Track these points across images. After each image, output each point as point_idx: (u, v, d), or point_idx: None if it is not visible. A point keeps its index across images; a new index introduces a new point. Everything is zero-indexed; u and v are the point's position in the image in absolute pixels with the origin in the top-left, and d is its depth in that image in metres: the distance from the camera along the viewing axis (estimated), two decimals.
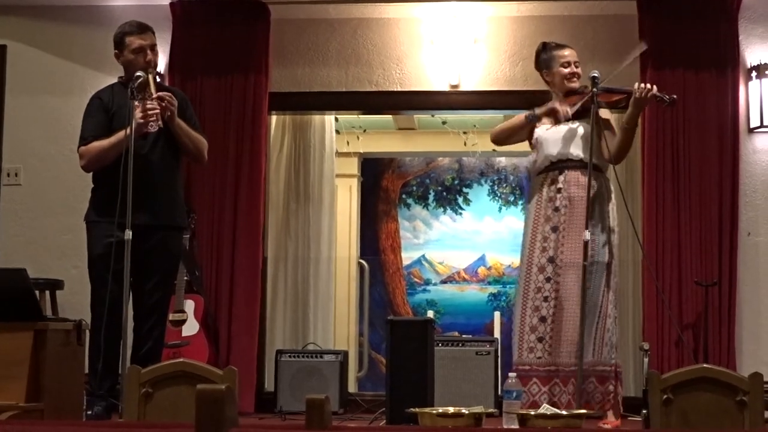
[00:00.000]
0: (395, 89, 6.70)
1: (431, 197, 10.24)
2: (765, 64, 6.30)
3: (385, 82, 6.70)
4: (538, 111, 5.04)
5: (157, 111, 4.70)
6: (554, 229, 4.87)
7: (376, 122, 9.12)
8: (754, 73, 6.31)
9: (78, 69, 6.70)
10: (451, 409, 3.23)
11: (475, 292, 10.12)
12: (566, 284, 4.79)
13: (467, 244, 10.15)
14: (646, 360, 5.80)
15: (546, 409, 3.51)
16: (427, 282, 10.21)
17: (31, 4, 6.68)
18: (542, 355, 4.77)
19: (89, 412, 4.63)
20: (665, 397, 3.11)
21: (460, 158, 10.03)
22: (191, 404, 2.05)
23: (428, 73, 6.67)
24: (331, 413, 2.26)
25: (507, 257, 10.07)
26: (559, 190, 4.89)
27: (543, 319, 4.81)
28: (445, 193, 10.22)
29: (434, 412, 3.19)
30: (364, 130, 9.18)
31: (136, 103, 4.66)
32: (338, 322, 8.18)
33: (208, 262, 6.39)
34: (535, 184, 5.03)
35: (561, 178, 4.89)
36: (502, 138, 5.19)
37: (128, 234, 4.40)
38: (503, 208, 10.14)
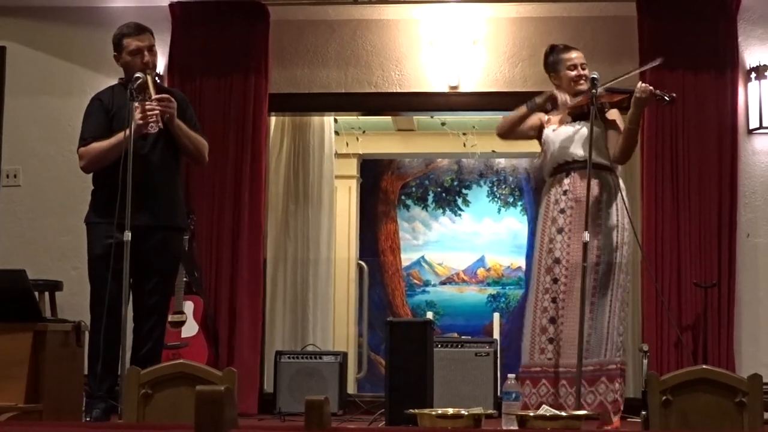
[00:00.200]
0: (394, 90, 6.70)
1: (430, 198, 10.24)
2: (764, 65, 6.30)
3: (384, 83, 6.70)
4: (538, 100, 5.04)
5: (157, 112, 4.70)
6: (560, 231, 4.88)
7: (376, 123, 9.13)
8: (753, 75, 6.32)
9: (77, 70, 6.70)
10: (451, 411, 3.23)
11: (474, 294, 10.12)
12: (573, 285, 4.79)
13: (466, 245, 10.15)
14: (645, 361, 5.81)
15: (545, 410, 3.51)
16: (427, 283, 10.21)
17: (31, 5, 6.69)
18: (552, 356, 4.77)
19: (88, 414, 4.63)
20: (664, 398, 3.10)
21: (459, 159, 10.03)
22: (191, 405, 2.04)
23: (427, 74, 6.67)
24: (330, 414, 2.26)
25: (506, 258, 10.07)
26: (565, 192, 4.89)
27: (552, 321, 4.82)
28: (444, 195, 10.22)
29: (433, 413, 3.18)
30: (364, 132, 9.18)
31: (136, 104, 4.67)
32: (337, 323, 8.18)
33: (207, 263, 6.39)
34: (545, 187, 5.04)
35: (567, 180, 4.90)
36: (505, 130, 5.19)
37: (127, 235, 4.40)
38: (502, 209, 10.13)
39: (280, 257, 7.35)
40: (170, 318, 5.64)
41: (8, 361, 4.22)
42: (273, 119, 7.08)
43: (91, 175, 4.94)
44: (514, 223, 10.08)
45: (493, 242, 10.11)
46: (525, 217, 10.06)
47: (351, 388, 7.29)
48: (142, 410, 3.11)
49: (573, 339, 4.70)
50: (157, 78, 4.99)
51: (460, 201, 10.20)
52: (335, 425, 2.67)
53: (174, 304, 5.87)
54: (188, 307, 6.13)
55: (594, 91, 4.72)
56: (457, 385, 5.93)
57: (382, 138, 9.49)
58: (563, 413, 3.24)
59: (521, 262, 9.98)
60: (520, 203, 10.11)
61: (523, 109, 5.07)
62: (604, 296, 4.76)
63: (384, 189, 10.22)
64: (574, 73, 4.97)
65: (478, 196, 10.18)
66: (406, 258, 10.21)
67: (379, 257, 10.10)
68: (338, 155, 8.22)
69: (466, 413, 3.12)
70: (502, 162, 10.08)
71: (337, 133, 8.14)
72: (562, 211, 4.88)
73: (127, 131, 4.48)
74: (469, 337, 6.63)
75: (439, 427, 3.07)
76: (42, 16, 6.74)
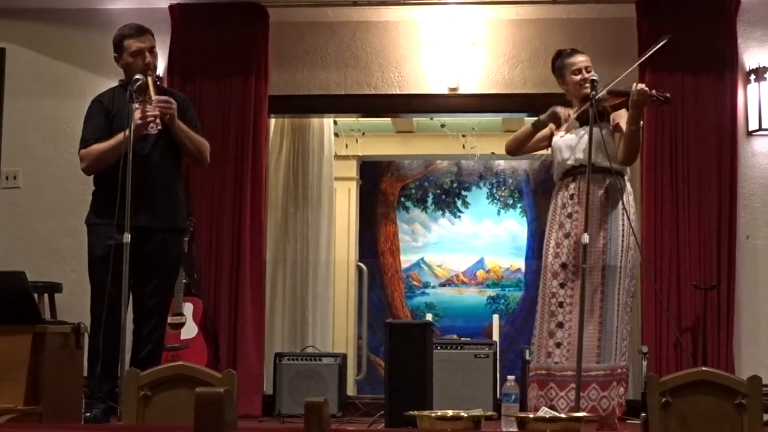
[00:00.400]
0: (394, 92, 6.70)
1: (430, 200, 10.24)
2: (763, 67, 6.31)
3: (383, 85, 6.70)
4: (542, 117, 5.06)
5: (157, 113, 4.70)
6: (567, 236, 4.88)
7: (375, 125, 9.13)
8: (752, 77, 6.33)
9: (77, 72, 6.70)
10: (450, 412, 3.22)
11: (473, 295, 10.12)
12: (580, 290, 4.79)
13: (466, 247, 10.15)
14: (645, 363, 5.82)
15: (545, 412, 3.51)
16: (426, 285, 10.21)
17: (31, 7, 6.69)
18: (560, 360, 4.77)
19: (88, 415, 4.63)
20: (664, 400, 3.10)
21: (458, 161, 10.03)
22: (190, 407, 2.04)
23: (427, 76, 6.67)
24: (329, 416, 2.26)
25: (506, 260, 10.06)
26: (572, 197, 4.89)
27: (560, 325, 4.82)
28: (443, 196, 10.22)
29: (433, 415, 3.18)
30: (363, 133, 9.18)
31: (136, 105, 4.67)
32: (337, 325, 8.18)
33: (207, 265, 6.39)
34: (554, 191, 5.05)
35: (573, 184, 4.91)
36: (513, 148, 5.21)
37: (127, 237, 4.40)
38: (502, 211, 10.13)
39: (280, 259, 7.35)
40: (169, 320, 5.63)
41: (7, 363, 4.22)
42: (272, 121, 7.08)
43: (91, 176, 4.94)
44: (513, 225, 10.08)
45: (493, 244, 10.11)
46: (524, 219, 10.06)
47: (350, 390, 7.29)
48: (141, 412, 3.11)
49: (583, 344, 4.69)
50: (157, 79, 4.99)
51: (459, 203, 10.20)
52: (335, 427, 2.68)
53: (173, 306, 5.87)
54: (188, 308, 6.13)
55: (593, 93, 4.72)
56: (457, 386, 5.93)
57: (381, 140, 9.49)
58: (562, 415, 3.23)
59: (521, 264, 9.98)
60: (519, 205, 10.10)
61: (528, 129, 5.09)
62: (612, 301, 4.76)
63: (383, 191, 10.22)
64: (578, 77, 4.96)
65: (478, 197, 10.18)
66: (406, 260, 10.21)
67: (378, 259, 10.09)
68: (338, 157, 8.22)
69: (466, 415, 3.11)
70: (501, 164, 10.08)
71: (336, 134, 8.14)
72: (569, 215, 4.89)
73: (127, 132, 4.48)
74: (469, 339, 6.64)
75: (438, 429, 3.07)
76: (42, 18, 6.74)
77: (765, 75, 6.29)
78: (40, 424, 4.08)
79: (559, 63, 5.07)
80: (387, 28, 6.72)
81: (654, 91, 4.69)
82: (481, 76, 6.66)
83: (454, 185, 10.22)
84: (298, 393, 6.13)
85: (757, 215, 6.34)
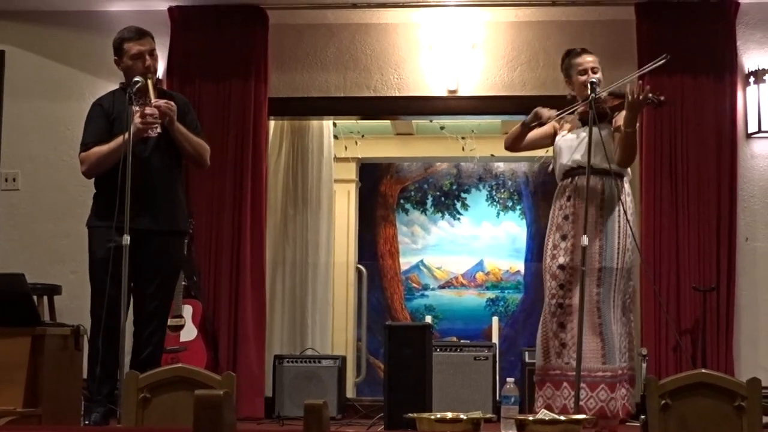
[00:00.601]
0: (393, 94, 6.70)
1: (429, 202, 10.24)
2: (763, 69, 6.31)
3: (383, 87, 6.70)
4: (526, 119, 5.08)
5: (156, 116, 4.70)
6: (564, 237, 4.89)
7: (375, 127, 9.12)
8: (751, 79, 6.33)
9: (76, 74, 6.70)
10: (449, 415, 3.22)
11: (473, 297, 10.12)
12: (576, 291, 4.80)
13: (465, 249, 10.15)
14: (644, 365, 5.81)
15: (544, 414, 3.50)
16: (425, 287, 10.21)
17: (30, 9, 6.69)
18: (568, 360, 4.78)
19: (87, 419, 4.63)
20: (663, 402, 3.11)
21: (458, 163, 10.03)
22: (189, 410, 2.04)
23: (426, 78, 6.67)
24: (329, 419, 2.26)
25: (505, 262, 10.06)
26: (569, 198, 4.90)
27: (562, 326, 4.83)
28: (443, 198, 10.22)
29: (432, 417, 3.18)
30: (363, 136, 9.18)
31: (136, 108, 4.67)
32: (336, 327, 8.18)
33: (206, 267, 6.38)
34: (555, 193, 5.05)
35: (571, 186, 4.92)
36: (509, 144, 5.25)
37: (126, 239, 4.40)
38: (501, 213, 10.13)
39: (279, 261, 7.35)
40: (169, 322, 5.63)
41: (7, 365, 4.22)
42: (272, 123, 7.08)
43: (91, 179, 4.94)
44: (512, 227, 10.08)
45: (492, 246, 10.11)
46: (524, 221, 10.06)
47: (350, 393, 7.28)
48: (140, 414, 3.11)
49: (585, 343, 4.70)
50: (156, 82, 4.99)
51: (459, 205, 10.20)
52: (334, 429, 2.68)
53: (173, 308, 5.86)
54: (187, 311, 6.13)
55: (593, 95, 4.72)
56: (456, 389, 5.93)
57: (380, 142, 9.49)
58: (562, 417, 3.23)
59: (520, 266, 9.98)
60: (519, 207, 10.10)
61: (518, 128, 5.11)
62: (608, 302, 4.77)
63: (383, 193, 10.22)
64: (583, 77, 4.94)
65: (477, 200, 10.18)
66: (405, 262, 10.21)
67: (377, 261, 10.09)
68: (337, 159, 8.22)
69: (465, 417, 3.11)
70: (501, 166, 10.08)
71: (336, 137, 8.13)
72: (566, 217, 4.90)
73: (126, 135, 4.48)
74: (468, 341, 6.63)
75: None
76: (41, 20, 6.74)
77: (764, 77, 6.29)
78: (39, 426, 4.08)
79: (567, 62, 5.07)
80: (386, 31, 6.73)
81: (650, 94, 4.68)
82: (480, 79, 6.66)
83: (454, 187, 10.22)
84: (297, 395, 6.12)
85: (756, 217, 6.34)
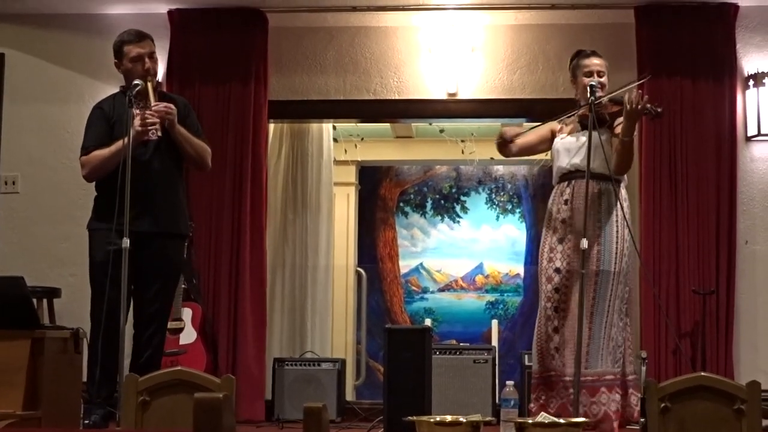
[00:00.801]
0: (393, 97, 6.70)
1: (429, 205, 10.24)
2: (762, 72, 6.31)
3: (382, 90, 6.70)
4: (497, 140, 5.13)
5: (156, 119, 4.71)
6: (560, 241, 4.89)
7: (374, 130, 9.13)
8: (751, 82, 6.33)
9: (76, 77, 6.70)
10: (449, 418, 3.22)
11: (472, 300, 10.12)
12: (571, 294, 4.80)
13: (465, 252, 10.15)
14: (644, 368, 5.81)
15: (543, 417, 3.50)
16: (425, 290, 10.21)
17: (30, 12, 6.69)
18: (562, 362, 4.78)
19: (86, 421, 4.63)
20: (663, 405, 3.11)
21: (457, 166, 10.04)
22: (189, 412, 2.05)
23: (426, 81, 6.68)
24: (328, 421, 2.26)
25: (504, 265, 10.07)
26: (566, 202, 4.90)
27: (556, 330, 4.83)
28: (442, 201, 10.23)
29: (432, 420, 3.18)
30: (362, 138, 9.18)
31: (137, 111, 4.67)
32: (336, 330, 8.18)
33: (206, 270, 6.38)
34: (551, 196, 5.05)
35: (568, 189, 4.91)
36: (500, 152, 5.23)
37: (126, 242, 4.39)
38: (501, 216, 10.14)
39: (279, 264, 7.35)
40: (168, 325, 5.63)
41: (6, 368, 4.22)
42: (271, 126, 7.08)
43: (91, 182, 4.95)
44: (512, 230, 10.09)
45: (492, 249, 10.12)
46: (523, 224, 10.07)
47: (349, 395, 7.29)
48: (140, 417, 3.11)
49: (573, 347, 4.71)
50: (157, 85, 5.00)
51: (458, 208, 10.21)
52: None
53: (172, 311, 5.86)
54: (186, 313, 6.13)
55: (592, 98, 4.72)
56: (456, 392, 5.93)
57: (380, 145, 9.49)
58: (561, 420, 3.23)
59: (519, 269, 9.98)
60: (518, 210, 10.11)
61: (499, 140, 5.13)
62: (602, 306, 4.76)
63: (382, 196, 10.23)
64: (587, 80, 4.92)
65: (477, 203, 10.18)
66: (405, 265, 10.22)
67: (377, 264, 10.10)
68: (337, 162, 8.23)
69: (465, 420, 3.11)
70: (500, 169, 10.09)
71: (335, 140, 8.14)
72: (563, 221, 4.90)
73: (126, 139, 4.48)
74: (468, 344, 6.64)
75: None
76: (41, 23, 6.74)
77: (763, 80, 6.29)
78: (38, 429, 4.08)
79: (575, 63, 5.05)
80: (386, 34, 6.73)
81: (648, 104, 4.67)
82: (479, 82, 6.67)
83: (453, 190, 10.23)
84: (297, 398, 6.12)
85: (756, 220, 6.34)
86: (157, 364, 4.83)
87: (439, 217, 10.22)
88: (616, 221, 4.82)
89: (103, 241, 4.67)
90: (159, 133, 4.73)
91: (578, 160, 4.87)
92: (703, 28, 6.32)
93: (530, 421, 3.10)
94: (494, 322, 8.84)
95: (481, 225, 10.16)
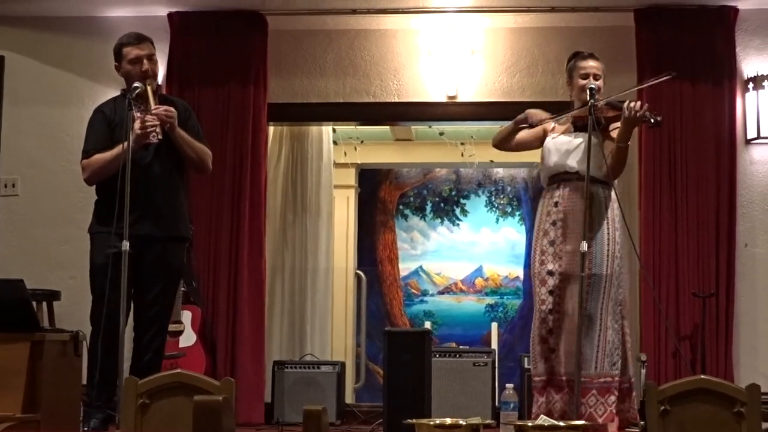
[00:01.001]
0: (392, 100, 6.70)
1: (428, 208, 10.24)
2: (762, 75, 6.31)
3: (382, 93, 6.70)
4: (518, 117, 5.07)
5: (156, 123, 4.71)
6: (552, 243, 4.88)
7: (374, 133, 9.13)
8: (750, 85, 6.33)
9: (76, 80, 6.70)
10: (449, 420, 3.22)
11: (472, 303, 10.12)
12: (565, 296, 4.80)
13: (464, 255, 10.15)
14: (643, 371, 5.81)
15: (543, 420, 3.51)
16: (425, 293, 10.21)
17: (30, 15, 6.69)
18: (557, 364, 4.78)
19: (86, 424, 4.62)
20: (663, 408, 3.11)
21: (457, 169, 10.04)
22: (188, 415, 2.05)
23: (426, 84, 6.68)
24: (328, 424, 2.26)
25: (504, 268, 10.07)
26: (556, 204, 4.89)
27: (551, 332, 4.84)
28: (442, 204, 10.23)
29: (431, 423, 3.18)
30: (362, 141, 9.19)
31: (137, 114, 4.67)
32: (335, 333, 8.18)
33: (205, 272, 6.38)
34: (541, 198, 5.04)
35: (558, 192, 4.90)
36: (497, 142, 5.23)
37: (125, 245, 4.40)
38: (500, 219, 10.14)
39: (278, 267, 7.35)
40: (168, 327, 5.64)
41: (6, 371, 4.21)
42: (271, 129, 7.07)
43: (91, 185, 4.95)
44: (512, 233, 10.09)
45: (491, 252, 10.12)
46: (523, 227, 10.07)
47: (349, 398, 7.28)
48: (139, 420, 3.11)
49: (567, 350, 4.72)
50: (157, 88, 5.00)
51: (458, 211, 10.21)
52: None
53: (172, 314, 5.86)
54: (186, 316, 6.13)
55: (591, 101, 4.71)
56: (455, 395, 5.93)
57: (380, 148, 9.49)
58: (561, 423, 3.23)
59: (519, 272, 9.98)
60: (518, 213, 10.11)
61: (510, 125, 5.10)
62: (595, 309, 4.76)
63: (382, 199, 10.23)
64: (583, 82, 4.93)
65: (477, 205, 10.19)
66: (404, 268, 10.22)
67: (377, 267, 10.10)
68: (336, 165, 8.22)
69: (464, 423, 3.12)
70: (500, 172, 10.09)
71: (335, 142, 8.14)
72: (554, 223, 4.89)
73: (126, 143, 4.48)
74: (467, 347, 6.63)
75: None
76: (41, 26, 6.74)
77: (763, 83, 6.29)
78: None
79: (572, 64, 5.05)
80: (385, 37, 6.73)
81: (647, 113, 4.66)
82: (479, 85, 6.67)
83: (453, 193, 10.23)
84: (296, 401, 6.12)
85: (755, 223, 6.34)
86: (158, 367, 4.83)
87: (439, 220, 10.22)
88: (607, 224, 4.82)
89: (103, 244, 4.67)
90: (159, 137, 4.73)
91: (570, 162, 4.86)
92: (703, 31, 6.32)
93: (530, 424, 3.10)
94: (494, 325, 8.84)
95: (481, 228, 10.16)
